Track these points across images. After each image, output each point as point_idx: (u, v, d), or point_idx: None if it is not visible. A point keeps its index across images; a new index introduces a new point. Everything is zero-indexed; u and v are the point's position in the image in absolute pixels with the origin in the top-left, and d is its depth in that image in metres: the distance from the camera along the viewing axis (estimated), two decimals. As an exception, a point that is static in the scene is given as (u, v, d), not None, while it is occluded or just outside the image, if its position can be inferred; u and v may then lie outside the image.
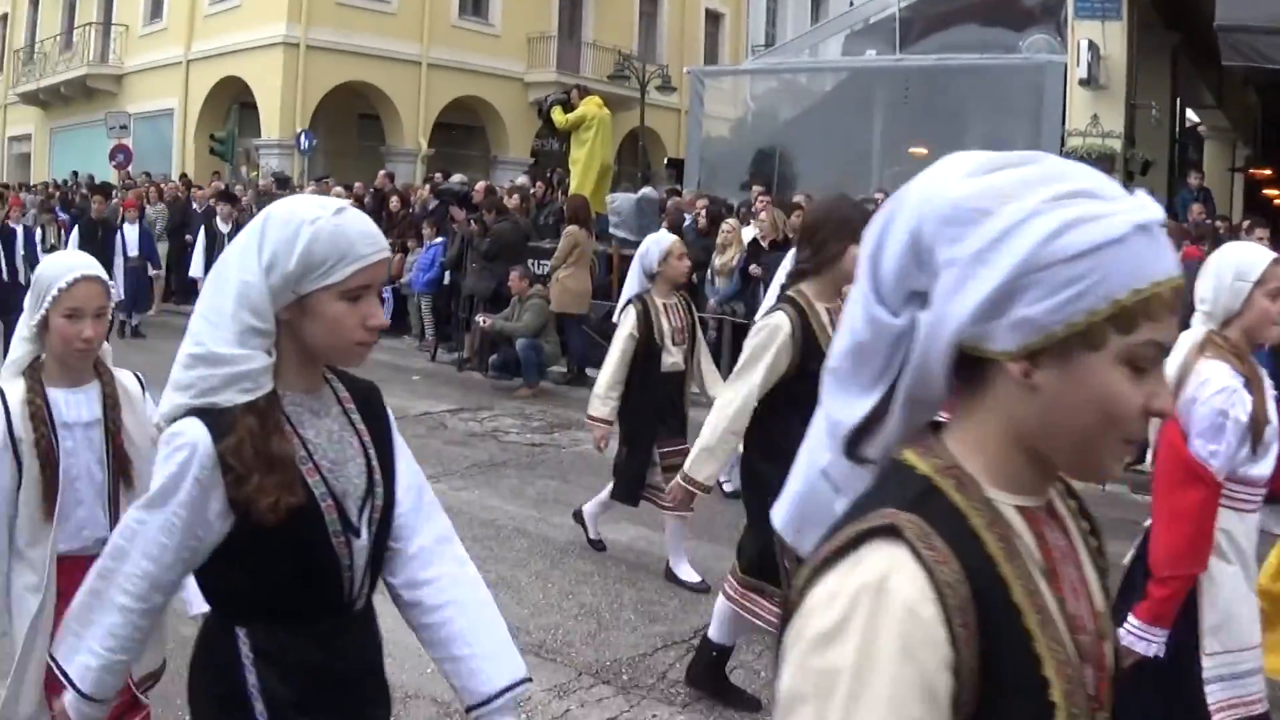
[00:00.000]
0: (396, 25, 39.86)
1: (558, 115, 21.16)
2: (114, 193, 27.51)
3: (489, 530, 10.46)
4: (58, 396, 4.38)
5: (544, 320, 17.62)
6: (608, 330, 19.12)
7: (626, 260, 19.02)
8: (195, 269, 20.13)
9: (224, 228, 19.47)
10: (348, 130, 41.83)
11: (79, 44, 47.00)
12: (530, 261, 19.18)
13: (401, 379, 17.91)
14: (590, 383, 17.95)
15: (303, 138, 35.15)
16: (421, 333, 22.15)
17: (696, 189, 23.76)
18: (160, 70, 42.92)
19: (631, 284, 9.41)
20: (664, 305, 9.17)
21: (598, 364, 18.76)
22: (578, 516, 9.88)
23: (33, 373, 4.38)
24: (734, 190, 23.84)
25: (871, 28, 27.38)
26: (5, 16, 55.24)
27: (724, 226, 17.77)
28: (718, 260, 17.53)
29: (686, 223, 19.27)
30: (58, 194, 37.66)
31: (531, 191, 24.21)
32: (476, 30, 42.64)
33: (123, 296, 19.76)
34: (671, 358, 9.11)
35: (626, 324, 9.07)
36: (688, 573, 8.89)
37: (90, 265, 4.40)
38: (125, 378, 4.69)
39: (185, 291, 26.41)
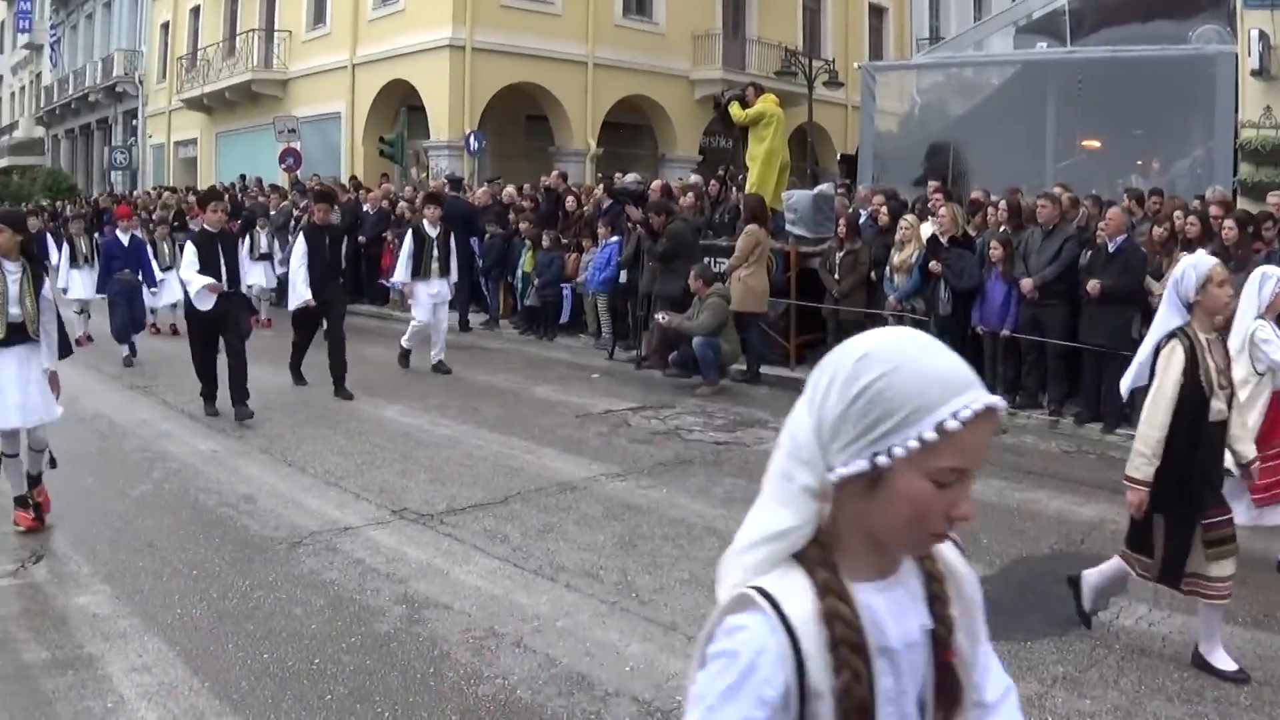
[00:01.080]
0: (561, 26, 39.91)
1: (735, 111, 21.03)
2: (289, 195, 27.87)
3: (679, 529, 10.50)
4: (874, 601, 2.31)
5: (722, 319, 17.55)
6: (784, 329, 19.07)
7: (803, 257, 18.95)
8: (400, 274, 19.57)
9: (432, 231, 19.16)
10: (515, 131, 42.01)
11: (242, 50, 47.60)
12: (707, 260, 19.17)
13: (580, 377, 17.94)
14: (769, 381, 18.03)
15: (472, 139, 35.44)
16: (598, 331, 22.17)
17: (871, 184, 23.50)
18: (325, 74, 43.41)
19: (1167, 316, 7.69)
20: (1206, 341, 7.54)
21: (774, 362, 18.71)
22: (1073, 583, 8.29)
23: (820, 557, 2.31)
24: (906, 185, 23.57)
25: (1040, 21, 27.06)
26: (167, 25, 56.09)
27: (903, 223, 17.70)
28: (897, 257, 17.49)
29: (863, 219, 19.22)
30: (226, 196, 37.98)
31: (705, 189, 24.00)
32: (641, 29, 42.60)
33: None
34: (1218, 404, 7.52)
35: (1175, 364, 7.43)
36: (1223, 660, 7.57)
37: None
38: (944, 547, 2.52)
39: (375, 294, 26.62)
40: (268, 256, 25.13)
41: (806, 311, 19.37)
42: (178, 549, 9.71)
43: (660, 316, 18.03)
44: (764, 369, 18.53)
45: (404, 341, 19.54)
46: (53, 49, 73.32)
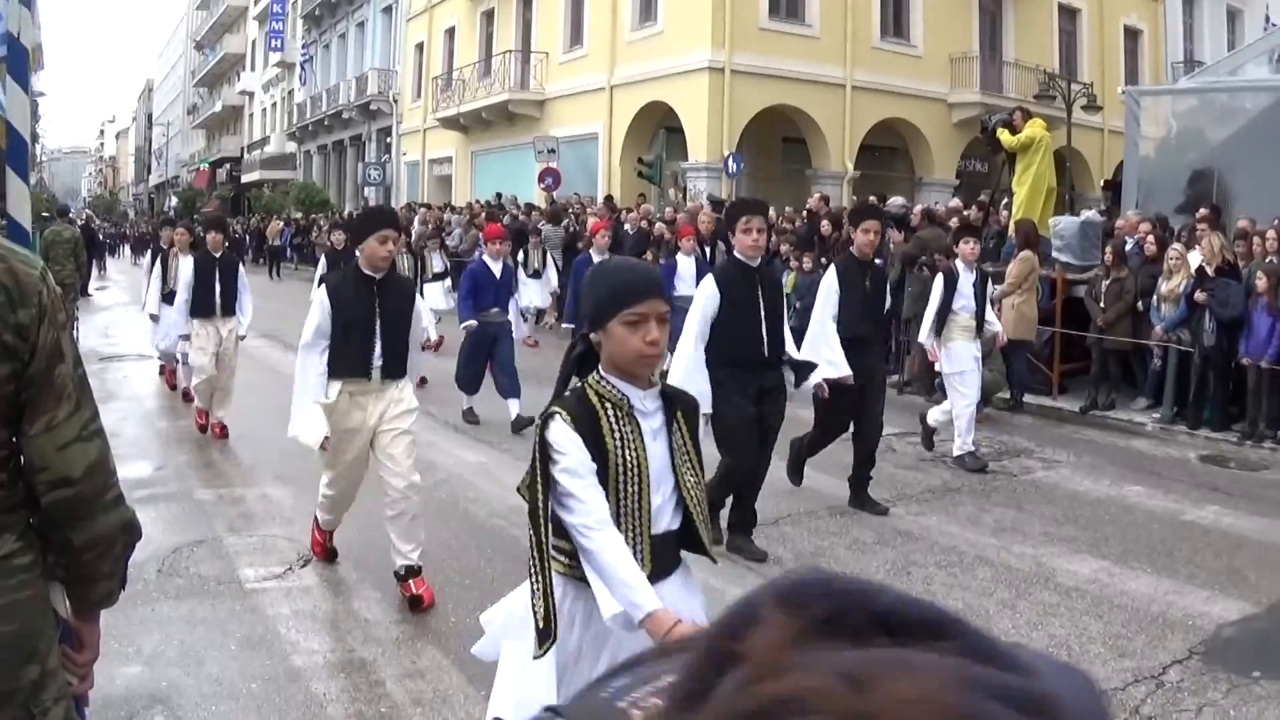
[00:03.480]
0: (819, 49, 39.61)
1: (1005, 136, 20.73)
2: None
3: (951, 557, 10.36)
4: None
5: (989, 347, 17.06)
6: (1048, 357, 18.77)
7: (1068, 285, 18.54)
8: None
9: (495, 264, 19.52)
10: (772, 153, 41.89)
11: (498, 71, 48.11)
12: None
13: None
14: (1032, 410, 17.90)
15: (730, 161, 35.33)
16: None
17: (1137, 211, 22.94)
18: (583, 95, 43.71)
19: None
20: None
21: (1038, 391, 18.42)
22: None
23: None
24: (1169, 213, 22.98)
25: (1301, 45, 26.34)
26: (421, 45, 57.08)
27: (1171, 252, 17.36)
28: (1164, 286, 17.12)
29: (1129, 247, 18.63)
30: (482, 213, 38.54)
31: (966, 214, 23.67)
32: (898, 52, 42.15)
33: None
34: None
35: None
36: None
37: None
38: None
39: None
40: (538, 274, 24.99)
41: (1070, 340, 19.02)
42: (450, 558, 9.70)
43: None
44: (1027, 398, 18.17)
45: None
46: (303, 68, 75.07)
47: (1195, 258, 17.03)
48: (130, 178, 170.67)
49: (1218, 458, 15.26)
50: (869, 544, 10.62)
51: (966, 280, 14.03)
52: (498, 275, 16.40)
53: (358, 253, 8.94)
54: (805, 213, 26.83)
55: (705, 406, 8.03)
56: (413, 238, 29.50)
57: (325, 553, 9.75)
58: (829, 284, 11.65)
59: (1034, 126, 20.63)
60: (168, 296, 17.34)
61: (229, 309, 15.37)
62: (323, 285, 9.13)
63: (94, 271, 43.20)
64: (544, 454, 4.27)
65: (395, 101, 61.49)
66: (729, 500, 10.38)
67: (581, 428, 4.26)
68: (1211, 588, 9.51)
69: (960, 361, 13.93)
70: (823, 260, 22.64)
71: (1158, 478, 13.83)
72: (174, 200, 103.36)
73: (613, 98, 42.10)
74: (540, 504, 4.27)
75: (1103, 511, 11.90)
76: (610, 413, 4.34)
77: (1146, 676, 7.56)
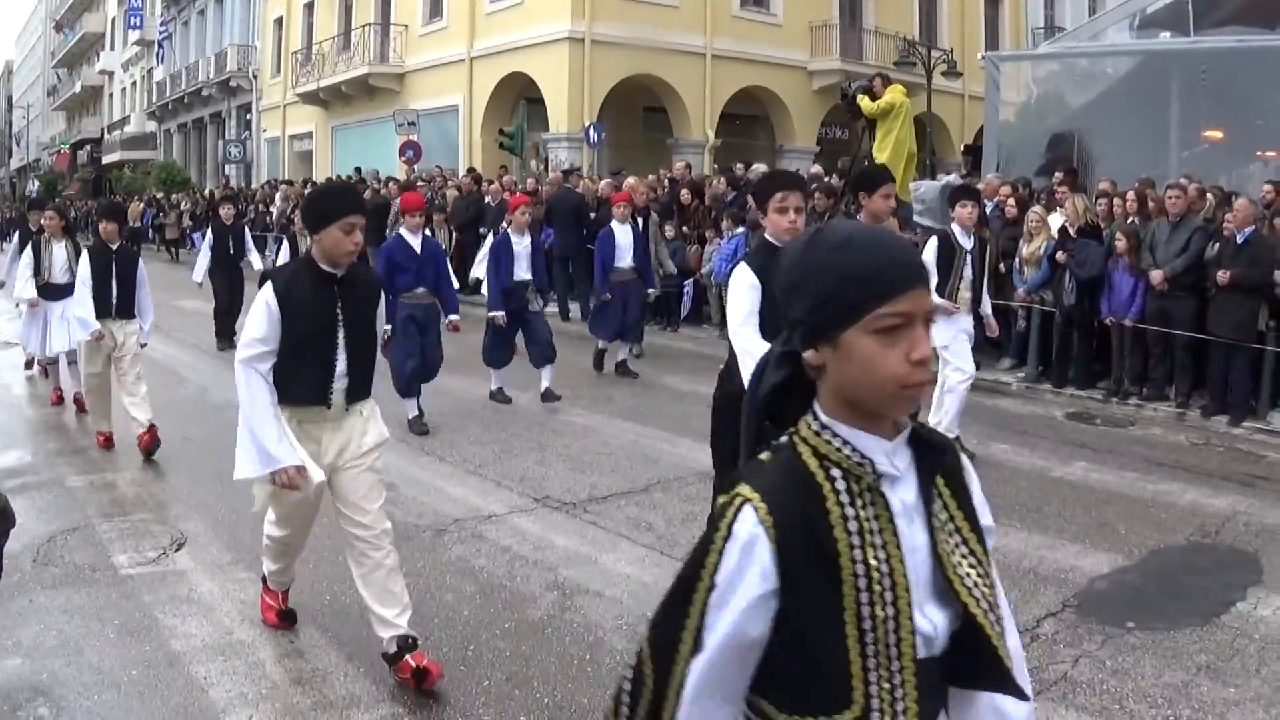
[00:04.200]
0: (679, 18, 39.84)
1: (865, 103, 20.88)
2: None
3: None
4: None
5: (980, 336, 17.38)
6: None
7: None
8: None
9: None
10: (633, 123, 42.08)
11: (358, 44, 48.04)
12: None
13: (707, 367, 17.73)
14: None
15: (591, 131, 35.34)
16: (723, 321, 22.12)
17: (998, 175, 23.25)
18: (443, 68, 43.74)
19: None
20: None
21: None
22: None
23: None
24: (1029, 176, 23.31)
25: (1159, 12, 26.68)
26: (280, 20, 56.72)
27: (1032, 214, 17.62)
28: (1025, 249, 17.42)
29: (989, 210, 18.87)
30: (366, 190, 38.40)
31: (827, 180, 23.89)
32: (758, 20, 42.48)
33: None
34: None
35: None
36: None
37: None
38: None
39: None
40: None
41: (934, 302, 19.01)
42: (323, 536, 9.62)
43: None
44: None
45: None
46: (160, 46, 74.29)
47: (1056, 220, 17.29)
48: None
49: (1084, 415, 15.53)
50: (740, 509, 10.65)
51: (964, 245, 12.91)
52: (419, 250, 14.23)
53: (312, 242, 6.96)
54: (669, 180, 26.91)
55: None
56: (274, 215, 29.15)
57: (282, 618, 7.84)
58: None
59: (894, 92, 20.80)
60: (43, 289, 15.51)
61: (127, 310, 13.29)
62: (268, 284, 6.88)
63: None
64: (713, 579, 2.53)
65: (255, 77, 61.13)
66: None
67: (790, 527, 2.51)
68: (1082, 542, 9.73)
69: (945, 335, 12.39)
70: (684, 229, 22.79)
71: (1025, 436, 14.06)
72: (35, 184, 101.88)
73: (473, 69, 42.14)
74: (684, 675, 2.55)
75: (991, 475, 12.10)
76: (841, 489, 2.57)
77: (1021, 630, 7.43)
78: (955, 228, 12.71)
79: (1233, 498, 11.31)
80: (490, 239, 19.97)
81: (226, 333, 20.89)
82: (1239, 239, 14.73)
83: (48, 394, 16.56)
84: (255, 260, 22.31)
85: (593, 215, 24.19)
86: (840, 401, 2.60)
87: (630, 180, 24.35)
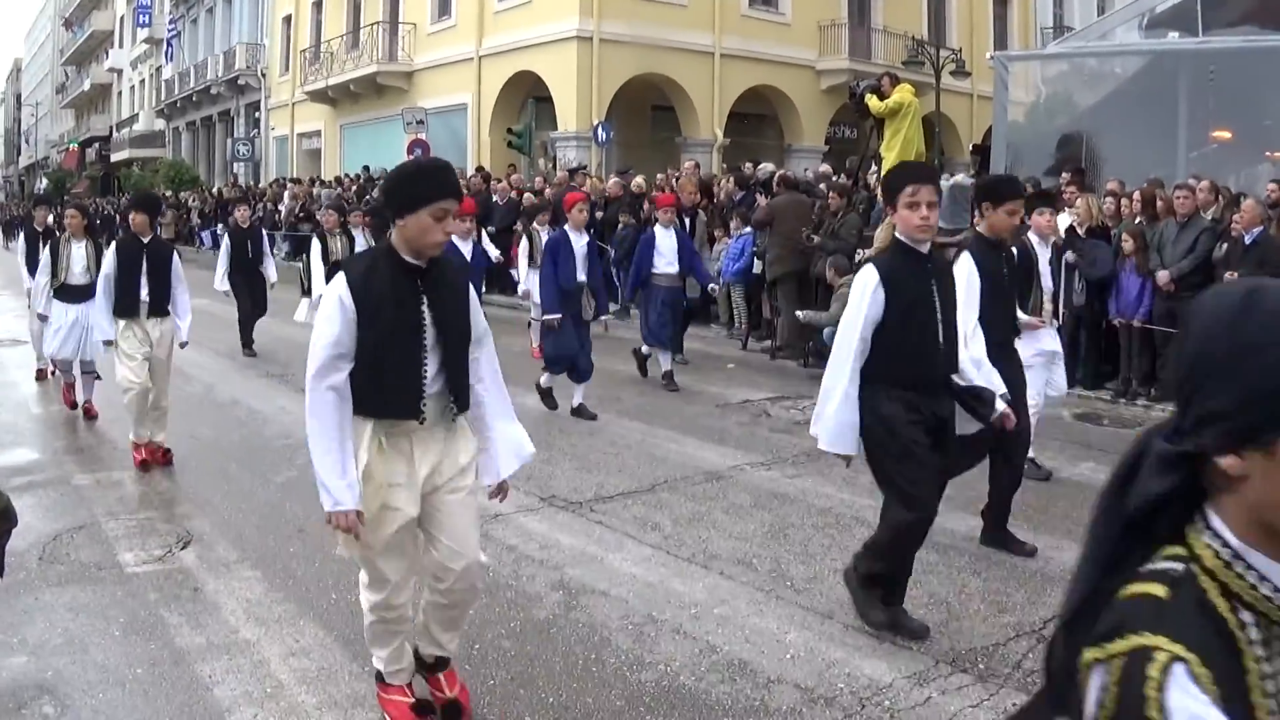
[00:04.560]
0: (687, 17, 39.90)
1: (873, 102, 20.87)
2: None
3: (828, 518, 10.44)
4: None
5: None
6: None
7: (939, 248, 18.77)
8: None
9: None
10: (642, 121, 42.16)
11: (366, 43, 48.10)
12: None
13: (715, 366, 17.86)
14: None
15: (600, 130, 35.34)
16: (730, 321, 22.14)
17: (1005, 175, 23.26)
18: (451, 66, 43.86)
19: None
20: None
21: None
22: None
23: None
24: (1038, 176, 23.28)
25: (1168, 12, 26.67)
26: (289, 18, 56.78)
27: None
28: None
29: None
30: (354, 188, 38.48)
31: (835, 179, 23.93)
32: (767, 19, 42.56)
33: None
34: None
35: None
36: None
37: None
38: None
39: (505, 284, 26.32)
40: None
41: (943, 302, 19.01)
42: (328, 535, 9.66)
43: (800, 314, 17.96)
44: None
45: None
46: (169, 44, 74.36)
47: (1064, 219, 17.28)
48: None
49: (1091, 415, 15.55)
50: (746, 507, 10.70)
51: (1043, 257, 11.77)
52: (469, 258, 14.55)
53: (395, 227, 5.84)
54: (676, 179, 26.93)
55: (849, 446, 7.40)
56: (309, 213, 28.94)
57: (420, 713, 6.38)
58: (968, 273, 8.82)
59: (902, 92, 20.80)
60: (60, 291, 14.82)
61: (160, 308, 12.45)
62: (340, 277, 5.84)
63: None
64: None
65: (263, 76, 61.17)
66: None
67: (1228, 699, 1.90)
68: (1089, 543, 9.66)
69: (1025, 352, 10.33)
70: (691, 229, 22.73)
71: (1033, 436, 14.07)
72: (44, 182, 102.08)
73: (481, 68, 42.19)
74: None
75: (978, 470, 12.06)
76: (1255, 639, 2.00)
77: (1028, 631, 7.69)
78: (1032, 236, 11.75)
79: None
80: (526, 239, 19.93)
81: (250, 340, 20.71)
82: (1247, 240, 14.74)
83: (56, 394, 16.40)
84: (270, 270, 21.54)
85: (599, 214, 24.18)
86: (1261, 525, 1.99)
87: (681, 180, 24.25)
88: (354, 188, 39.19)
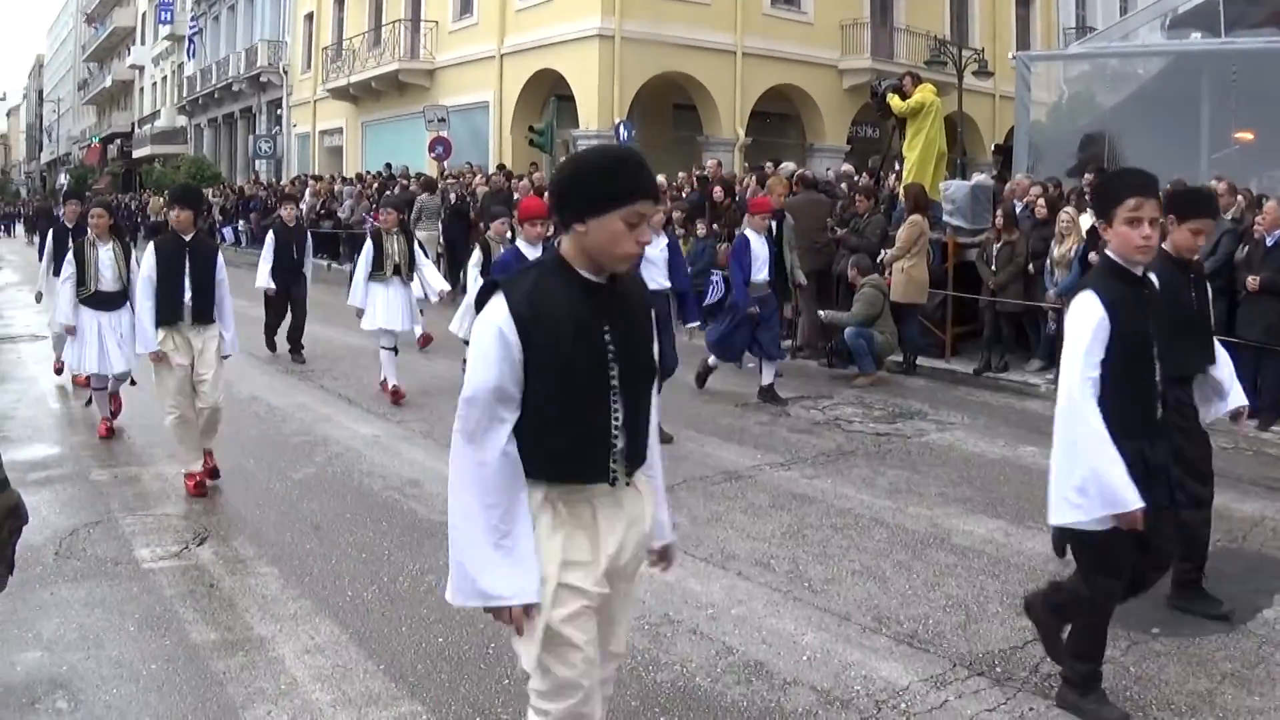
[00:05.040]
0: (709, 15, 39.80)
1: (895, 102, 20.87)
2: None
3: (847, 519, 10.38)
4: None
5: (875, 310, 17.49)
6: (940, 320, 18.93)
7: (960, 249, 18.75)
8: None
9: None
10: (663, 121, 42.11)
11: (388, 40, 48.16)
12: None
13: (734, 365, 17.72)
14: (925, 373, 18.11)
15: (621, 128, 35.27)
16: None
17: (1027, 175, 23.19)
18: (473, 64, 43.79)
19: None
20: None
21: (930, 354, 18.64)
22: None
23: None
24: (1060, 177, 23.22)
25: (1190, 13, 26.59)
26: (311, 16, 56.88)
27: (1063, 216, 17.52)
28: (1056, 250, 17.40)
29: (1019, 210, 18.95)
30: (375, 183, 38.54)
31: (857, 179, 23.92)
32: (789, 18, 42.45)
33: None
34: None
35: None
36: None
37: None
38: None
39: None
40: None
41: (963, 303, 19.26)
42: (345, 531, 9.70)
43: (822, 314, 17.91)
44: (920, 360, 18.38)
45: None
46: (191, 41, 74.50)
47: (1086, 220, 17.22)
48: (21, 155, 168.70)
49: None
50: (764, 508, 10.67)
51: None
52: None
53: (571, 234, 4.40)
54: (696, 179, 26.89)
55: (1133, 499, 5.87)
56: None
57: None
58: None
59: (924, 91, 20.79)
60: (89, 299, 13.52)
61: (204, 314, 11.26)
62: (499, 299, 4.38)
63: (-15, 251, 42.50)
64: None
65: (285, 73, 61.28)
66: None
67: None
68: (1109, 547, 9.62)
69: None
70: (714, 226, 22.70)
71: (1052, 438, 13.98)
72: (65, 178, 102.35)
73: (503, 66, 42.17)
74: None
75: (998, 472, 12.04)
76: None
77: None
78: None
79: (1261, 502, 11.23)
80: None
81: (300, 346, 19.69)
82: (1269, 241, 14.65)
83: (76, 389, 16.38)
84: (310, 272, 20.75)
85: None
86: None
87: (770, 180, 24.10)
88: (375, 185, 39.16)
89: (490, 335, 4.28)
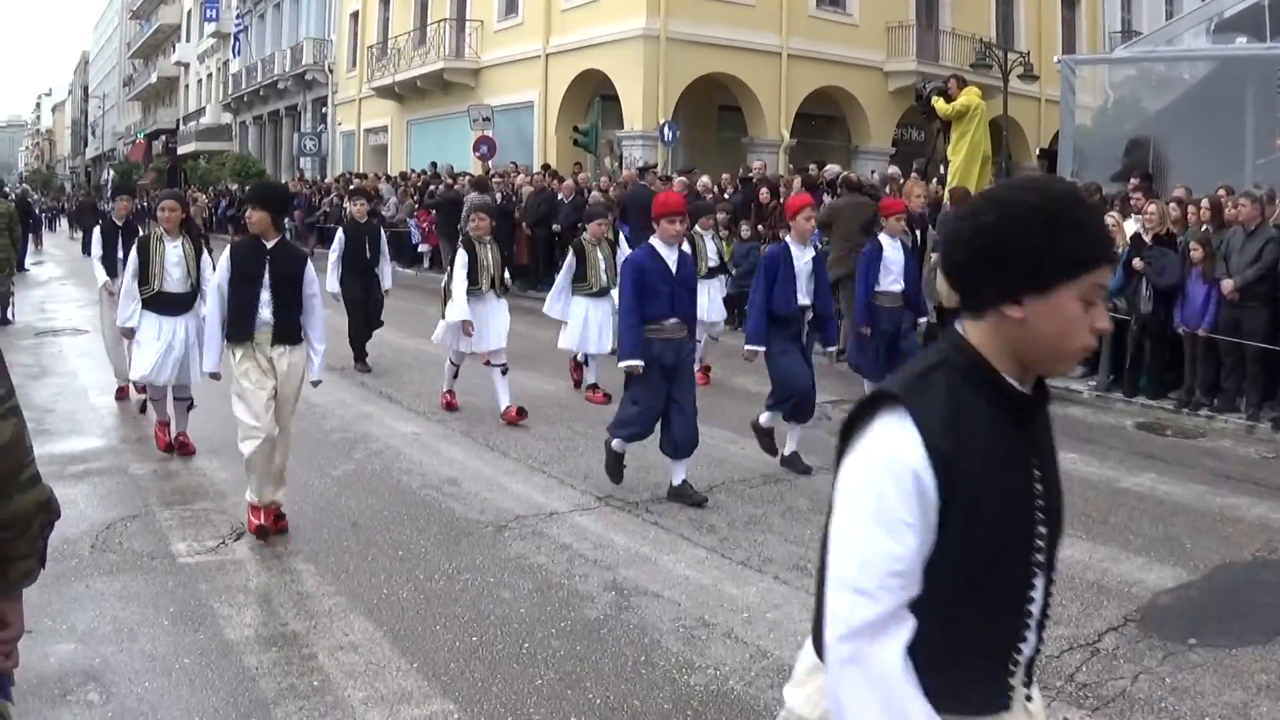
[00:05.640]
0: (755, 17, 39.62)
1: (940, 104, 20.79)
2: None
3: None
4: None
5: None
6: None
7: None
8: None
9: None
10: (708, 122, 42.10)
11: (434, 39, 48.12)
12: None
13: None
14: None
15: (666, 129, 35.25)
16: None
17: (1073, 180, 23.05)
18: (518, 64, 43.65)
19: None
20: None
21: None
22: None
23: None
24: (1104, 181, 23.11)
25: (1237, 16, 26.44)
26: (356, 14, 57.01)
27: (1107, 221, 17.05)
28: None
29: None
30: (419, 183, 38.55)
31: (899, 180, 23.85)
32: (835, 20, 42.24)
33: None
34: None
35: None
36: None
37: None
38: None
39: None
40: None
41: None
42: (382, 529, 9.69)
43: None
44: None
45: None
46: (236, 39, 74.73)
47: (1131, 226, 17.12)
48: (67, 151, 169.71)
49: (1154, 425, 15.35)
50: (804, 511, 10.62)
51: None
52: (674, 269, 10.86)
53: (997, 318, 2.81)
54: (740, 180, 26.84)
55: None
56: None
57: None
58: None
59: (969, 94, 20.73)
60: (152, 301, 12.37)
61: (290, 333, 9.83)
62: (900, 417, 2.70)
63: (30, 246, 42.52)
64: None
65: (330, 71, 61.33)
66: None
67: None
68: (1147, 555, 9.56)
69: None
70: (759, 228, 22.64)
71: (1094, 445, 13.87)
72: (110, 173, 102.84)
73: (548, 66, 42.01)
74: None
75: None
76: None
77: (1082, 644, 7.59)
78: None
79: (1302, 513, 11.08)
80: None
81: (364, 353, 18.53)
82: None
83: (112, 382, 15.91)
84: (386, 277, 18.72)
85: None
86: None
87: (908, 184, 24.01)
88: (419, 183, 39.20)
89: (890, 482, 2.66)
